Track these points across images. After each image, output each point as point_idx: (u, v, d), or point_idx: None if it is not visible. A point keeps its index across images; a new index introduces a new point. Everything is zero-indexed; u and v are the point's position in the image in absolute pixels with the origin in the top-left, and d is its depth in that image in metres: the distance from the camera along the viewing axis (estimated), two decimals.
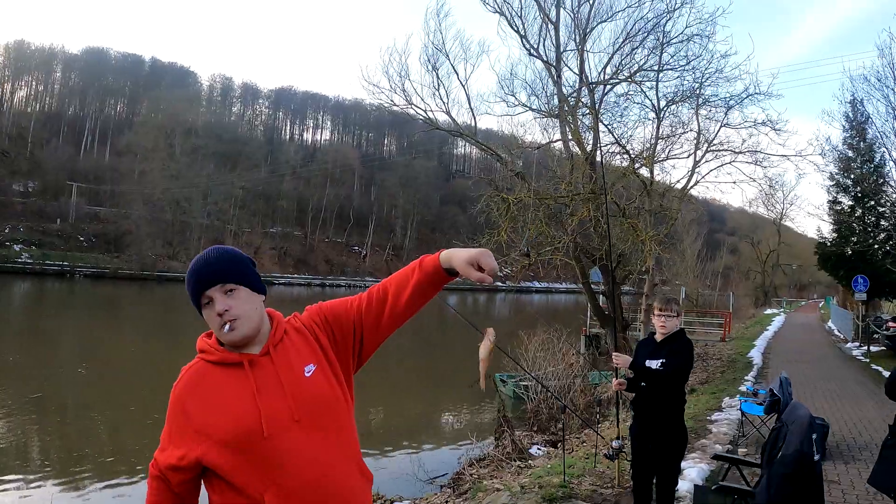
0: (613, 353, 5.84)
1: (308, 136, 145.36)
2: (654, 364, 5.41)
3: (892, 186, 28.27)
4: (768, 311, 59.80)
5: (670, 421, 5.43)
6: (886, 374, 17.13)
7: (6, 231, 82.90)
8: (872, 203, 30.21)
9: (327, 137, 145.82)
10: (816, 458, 4.80)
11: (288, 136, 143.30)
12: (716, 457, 6.29)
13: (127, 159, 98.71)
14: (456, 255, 2.31)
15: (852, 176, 30.64)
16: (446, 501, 9.16)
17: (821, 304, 78.20)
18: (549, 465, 9.18)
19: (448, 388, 19.67)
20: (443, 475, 11.82)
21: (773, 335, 31.83)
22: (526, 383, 16.59)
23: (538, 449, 12.12)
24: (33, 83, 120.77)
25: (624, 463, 7.34)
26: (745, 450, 9.45)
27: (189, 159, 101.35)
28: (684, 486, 6.94)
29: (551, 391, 13.96)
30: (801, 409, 5.14)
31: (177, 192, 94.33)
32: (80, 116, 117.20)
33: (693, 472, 7.84)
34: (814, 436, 4.84)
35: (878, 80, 24.90)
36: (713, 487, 5.27)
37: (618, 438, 6.64)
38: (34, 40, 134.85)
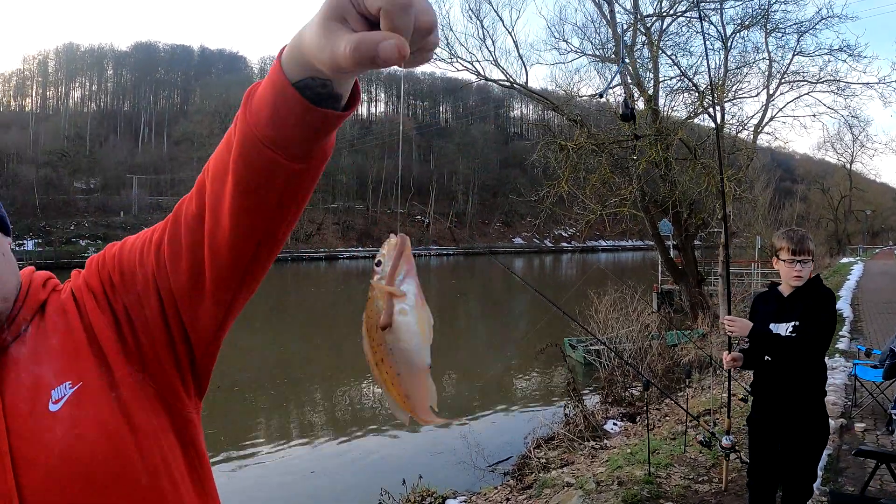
0: (726, 318, 4.11)
1: (363, 110, 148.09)
2: (782, 329, 3.77)
3: None
4: (844, 260, 57.41)
5: (807, 408, 3.82)
6: None
7: (71, 228, 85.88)
8: None
9: (382, 109, 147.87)
10: None
11: None
12: (859, 452, 4.63)
13: (184, 148, 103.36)
14: (308, 25, 0.81)
15: None
16: (507, 498, 7.83)
17: None
18: (628, 449, 7.76)
19: (512, 355, 18.50)
20: (505, 459, 10.70)
21: (855, 285, 29.87)
22: (597, 348, 15.37)
23: (614, 424, 11.09)
24: (87, 83, 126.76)
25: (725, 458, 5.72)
26: (863, 424, 7.81)
27: None
28: None
29: (625, 358, 12.53)
30: None
31: None
32: (135, 111, 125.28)
33: None
34: None
35: None
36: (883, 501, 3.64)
37: (729, 434, 4.93)
38: (83, 42, 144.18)
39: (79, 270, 1.27)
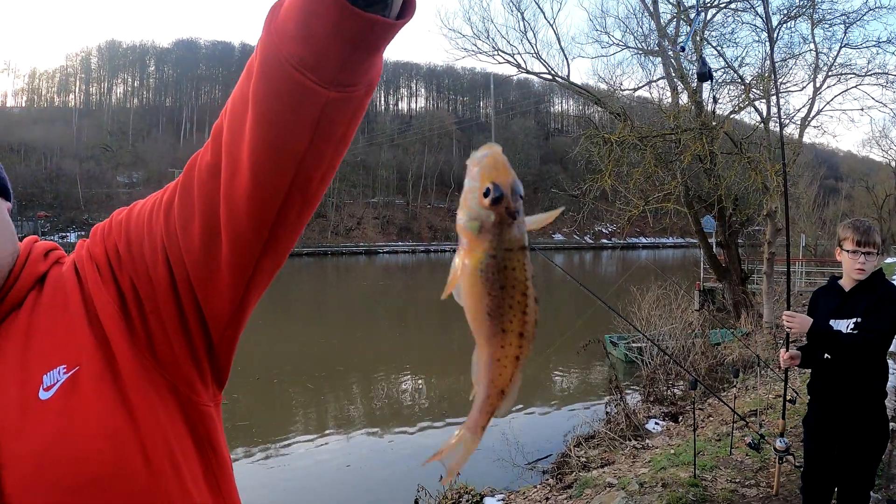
0: (785, 313, 3.88)
1: (403, 106, 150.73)
2: (843, 325, 3.56)
3: None
4: (889, 260, 56.18)
5: (867, 410, 3.60)
6: None
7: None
8: None
9: (422, 105, 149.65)
10: None
11: (383, 107, 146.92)
12: None
13: None
14: None
15: None
16: (546, 498, 7.69)
17: None
18: (671, 450, 7.55)
19: (553, 350, 18.34)
20: (545, 457, 10.53)
21: None
22: (639, 345, 15.16)
23: (656, 424, 10.89)
24: (129, 79, 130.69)
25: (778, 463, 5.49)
26: None
27: None
28: None
29: (669, 354, 12.27)
30: None
31: None
32: (177, 106, 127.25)
33: None
34: None
35: None
36: None
37: (783, 436, 4.69)
38: (125, 39, 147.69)
39: (84, 240, 1.11)
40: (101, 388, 0.98)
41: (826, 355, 3.68)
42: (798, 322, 3.71)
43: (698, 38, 18.59)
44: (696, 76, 13.38)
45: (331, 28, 0.72)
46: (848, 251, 3.62)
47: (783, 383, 5.17)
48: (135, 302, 1.02)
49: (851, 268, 3.61)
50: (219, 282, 1.00)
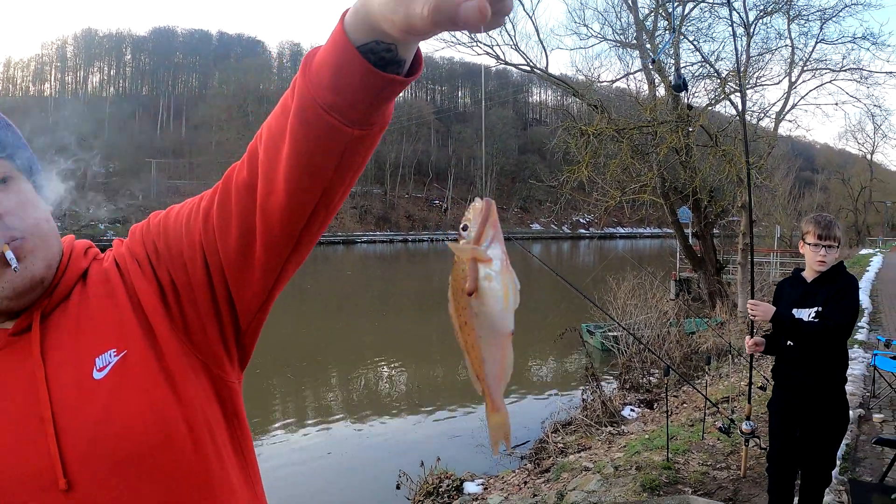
0: (749, 302, 4.11)
1: None
2: (805, 314, 3.78)
3: None
4: (863, 252, 56.82)
5: (827, 394, 3.82)
6: None
7: (89, 211, 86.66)
8: None
9: (400, 94, 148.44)
10: None
11: None
12: (879, 441, 4.62)
13: (203, 132, 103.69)
14: None
15: None
16: (525, 482, 7.89)
17: None
18: (646, 435, 7.76)
19: (530, 339, 18.49)
20: (523, 444, 10.64)
21: (874, 276, 29.57)
22: (615, 334, 15.33)
23: (631, 410, 11.10)
24: (105, 68, 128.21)
25: (744, 444, 5.72)
26: (881, 415, 7.79)
27: None
28: None
29: (644, 343, 12.50)
30: None
31: None
32: (154, 95, 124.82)
33: None
34: None
35: None
36: (894, 497, 3.64)
37: (749, 419, 4.93)
38: (101, 27, 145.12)
39: (121, 239, 1.26)
40: (148, 368, 1.12)
41: (789, 342, 3.91)
42: (762, 310, 3.94)
43: (673, 51, 18.79)
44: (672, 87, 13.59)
45: (358, 84, 0.88)
46: (810, 244, 3.84)
47: (749, 368, 5.40)
48: (173, 292, 1.17)
49: (813, 260, 3.83)
50: (251, 277, 1.15)
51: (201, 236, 1.14)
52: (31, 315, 1.14)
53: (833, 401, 3.84)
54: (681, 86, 9.89)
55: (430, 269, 51.96)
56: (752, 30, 19.87)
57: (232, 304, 1.19)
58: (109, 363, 1.11)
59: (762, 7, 20.02)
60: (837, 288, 3.76)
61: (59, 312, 1.15)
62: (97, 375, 1.10)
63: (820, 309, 3.74)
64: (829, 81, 21.65)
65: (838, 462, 6.07)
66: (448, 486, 8.31)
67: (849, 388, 8.73)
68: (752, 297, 4.48)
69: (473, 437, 10.88)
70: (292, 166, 0.98)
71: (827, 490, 5.07)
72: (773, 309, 3.89)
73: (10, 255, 1.08)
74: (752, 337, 4.16)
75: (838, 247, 3.84)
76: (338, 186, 1.04)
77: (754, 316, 4.04)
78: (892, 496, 3.68)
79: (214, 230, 1.12)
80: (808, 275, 3.92)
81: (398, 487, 8.65)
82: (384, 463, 9.99)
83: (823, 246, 3.78)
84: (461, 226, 0.85)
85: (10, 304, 1.12)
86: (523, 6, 21.32)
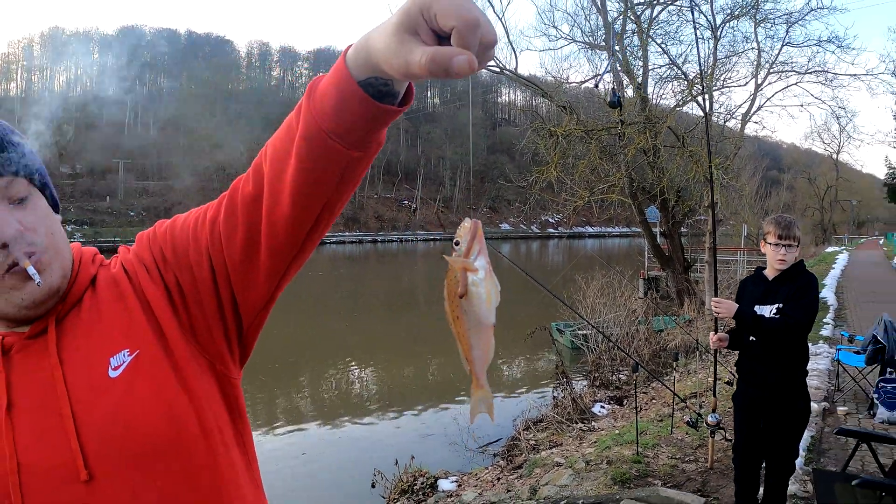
0: (713, 300, 4.30)
1: None
2: (766, 310, 3.95)
3: None
4: (830, 249, 57.73)
5: (789, 387, 3.99)
6: None
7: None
8: None
9: None
10: None
11: None
12: (840, 431, 4.80)
13: (170, 132, 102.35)
14: (377, 31, 0.92)
15: None
16: (498, 478, 8.00)
17: (882, 241, 75.93)
18: (616, 431, 7.92)
19: (500, 339, 18.59)
20: (495, 441, 10.78)
21: (840, 273, 30.05)
22: (584, 332, 15.48)
23: (601, 407, 11.21)
24: (73, 67, 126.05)
25: (710, 436, 5.90)
26: (845, 408, 8.00)
27: (232, 127, 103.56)
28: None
29: (613, 341, 12.68)
30: None
31: (222, 160, 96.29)
32: (122, 95, 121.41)
33: None
34: None
35: None
36: (854, 483, 3.81)
37: (714, 412, 5.12)
38: (68, 26, 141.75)
39: (127, 247, 1.35)
40: (160, 367, 1.20)
41: (751, 338, 4.09)
42: (725, 307, 4.12)
43: (619, 69, 19.02)
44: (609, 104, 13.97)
45: (357, 113, 0.99)
46: (771, 244, 4.01)
47: (713, 363, 5.58)
48: (179, 296, 1.25)
49: (774, 259, 4.01)
50: (255, 281, 1.24)
51: (208, 243, 1.22)
52: (46, 319, 1.21)
53: (794, 394, 4.01)
54: (616, 103, 10.38)
55: (400, 270, 51.98)
56: (719, 33, 20.20)
57: (235, 305, 1.28)
58: (124, 363, 1.18)
59: (729, 11, 20.35)
60: (798, 286, 3.94)
61: (73, 316, 1.23)
62: (112, 374, 1.17)
63: (781, 306, 3.91)
64: (795, 83, 22.15)
65: (804, 453, 6.27)
66: (422, 483, 8.40)
67: (814, 382, 9.02)
68: (716, 295, 4.67)
69: (446, 435, 10.98)
70: (298, 183, 1.08)
71: (793, 480, 5.28)
72: (736, 306, 4.07)
73: (32, 270, 1.15)
74: (716, 333, 4.34)
75: (798, 246, 4.02)
76: (338, 199, 1.15)
77: (717, 313, 4.22)
78: (853, 483, 3.85)
79: (221, 237, 1.21)
80: (770, 273, 4.10)
81: (373, 486, 8.72)
82: (358, 463, 10.03)
83: (783, 245, 3.96)
84: (454, 241, 1.00)
85: (28, 314, 1.20)
86: (493, 8, 21.43)
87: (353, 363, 18.81)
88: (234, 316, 1.29)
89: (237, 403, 1.34)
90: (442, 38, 0.83)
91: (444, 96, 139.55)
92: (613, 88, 12.75)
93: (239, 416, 1.34)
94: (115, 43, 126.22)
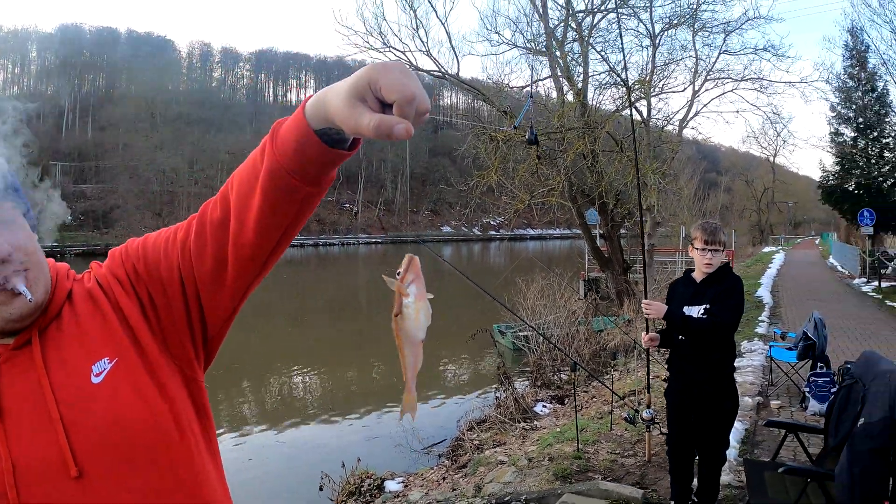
0: (643, 301, 4.55)
1: (292, 97, 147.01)
2: (695, 311, 4.20)
3: None
4: (767, 249, 59.17)
5: (717, 383, 4.24)
6: None
7: None
8: (875, 134, 29.78)
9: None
10: None
11: (272, 98, 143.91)
12: (770, 423, 5.06)
13: (109, 133, 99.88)
14: (333, 92, 1.10)
15: (854, 107, 30.36)
16: (444, 478, 8.15)
17: (818, 241, 78.00)
18: (557, 429, 8.13)
19: (444, 342, 18.74)
20: (440, 442, 10.90)
21: (776, 273, 31.03)
22: (525, 333, 15.67)
23: (543, 406, 11.36)
24: (9, 66, 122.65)
25: (646, 430, 6.15)
26: (778, 402, 8.35)
27: (172, 128, 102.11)
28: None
29: (554, 342, 12.93)
30: (883, 363, 3.93)
31: (162, 163, 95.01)
32: (59, 95, 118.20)
33: None
34: None
35: (881, 6, 24.29)
36: (780, 470, 4.05)
37: (649, 407, 5.38)
38: (5, 23, 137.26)
39: (98, 263, 1.47)
40: (138, 372, 1.33)
41: (680, 337, 4.33)
42: (654, 309, 4.37)
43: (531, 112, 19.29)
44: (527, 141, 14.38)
45: (314, 157, 1.17)
46: (698, 248, 4.27)
47: (647, 361, 5.84)
48: (152, 308, 1.39)
49: (701, 262, 4.26)
50: (222, 295, 1.38)
51: (179, 261, 1.36)
52: (29, 331, 1.32)
53: (722, 388, 4.26)
54: (532, 140, 10.98)
55: (342, 274, 51.77)
56: (658, 41, 20.65)
57: (203, 316, 1.42)
58: (105, 369, 1.31)
59: (668, 20, 20.80)
60: (724, 287, 4.19)
61: (54, 329, 1.34)
62: (95, 380, 1.29)
63: (708, 306, 4.16)
64: (731, 90, 22.71)
65: (738, 445, 6.57)
66: (370, 485, 8.48)
67: (748, 377, 9.39)
68: (647, 297, 4.92)
69: (392, 437, 11.06)
70: (261, 212, 1.25)
71: (727, 470, 5.56)
72: (665, 308, 4.32)
73: (23, 287, 1.27)
74: (647, 333, 4.59)
75: (723, 250, 4.28)
76: (295, 226, 1.31)
77: (648, 314, 4.47)
78: (780, 470, 4.09)
79: (191, 256, 1.35)
80: (698, 276, 4.35)
81: (321, 489, 8.77)
82: (305, 468, 10.08)
83: (710, 250, 4.21)
84: (397, 272, 1.23)
85: (14, 326, 1.30)
86: (437, 13, 21.64)
87: (297, 368, 18.76)
88: (201, 326, 1.43)
89: (203, 404, 1.47)
90: (385, 106, 1.02)
91: None
92: (531, 126, 13.14)
93: (205, 415, 1.48)
94: (54, 41, 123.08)
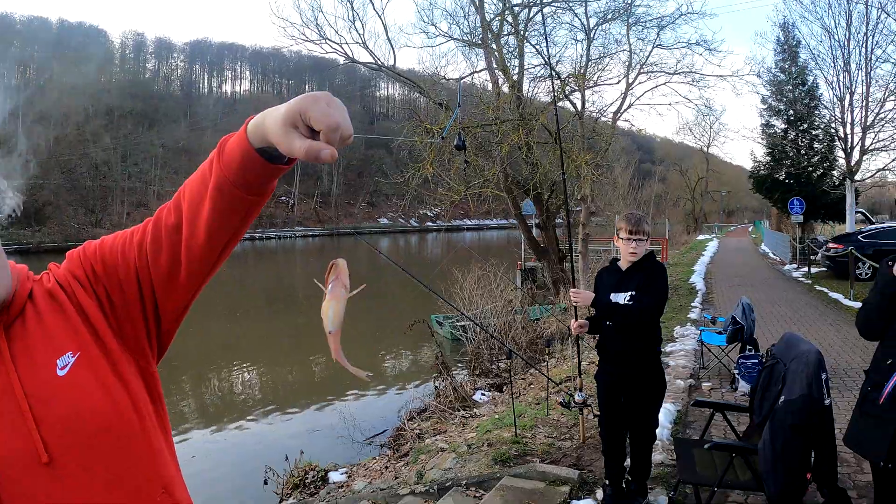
0: (571, 290, 4.77)
1: (227, 88, 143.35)
2: (621, 298, 4.42)
3: (826, 107, 28.38)
4: (701, 237, 60.37)
5: (645, 366, 4.48)
6: (833, 295, 16.87)
7: None
8: (805, 126, 30.71)
9: (247, 88, 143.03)
10: (827, 402, 3.90)
11: (206, 90, 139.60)
12: (698, 403, 5.32)
13: (39, 127, 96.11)
14: (270, 118, 1.27)
15: (784, 99, 31.21)
16: (386, 467, 8.29)
17: (750, 229, 79.74)
18: (496, 416, 8.32)
19: (382, 334, 18.85)
20: (381, 433, 11.04)
21: (710, 260, 31.74)
22: (463, 324, 15.83)
23: (482, 395, 11.54)
24: None
25: (579, 413, 6.39)
26: (710, 383, 8.68)
27: (104, 121, 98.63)
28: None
29: (490, 332, 13.14)
30: (802, 344, 4.20)
31: (94, 157, 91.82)
32: None
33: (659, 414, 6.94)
34: (824, 376, 3.91)
35: (812, 3, 25.06)
36: (707, 447, 4.31)
37: (581, 391, 5.62)
38: None
39: (56, 264, 1.57)
40: (100, 364, 1.45)
41: (608, 322, 4.56)
42: (582, 297, 4.60)
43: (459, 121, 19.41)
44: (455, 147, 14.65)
45: (257, 171, 1.33)
46: (623, 238, 4.49)
47: (576, 347, 6.07)
48: (109, 305, 1.50)
49: (626, 251, 4.48)
50: (176, 292, 1.51)
51: (135, 262, 1.48)
52: None
53: (649, 369, 4.51)
54: (461, 146, 11.45)
55: (280, 267, 51.37)
56: (592, 35, 20.96)
57: (157, 312, 1.54)
58: (69, 363, 1.41)
59: (602, 14, 21.11)
60: (648, 275, 4.42)
61: (18, 326, 1.44)
62: (60, 373, 1.39)
63: (634, 293, 4.38)
64: (664, 83, 22.95)
65: (670, 426, 6.85)
66: (313, 477, 8.57)
67: (680, 361, 9.71)
68: (574, 286, 5.16)
69: (333, 429, 11.16)
70: (210, 219, 1.39)
71: (660, 450, 5.84)
72: (593, 295, 4.54)
73: None
74: (576, 320, 4.80)
75: (647, 239, 4.50)
76: (241, 229, 1.46)
77: (576, 302, 4.69)
78: (706, 446, 4.34)
79: (147, 258, 1.47)
80: (623, 264, 4.57)
81: (265, 483, 8.84)
82: (248, 463, 10.11)
83: (634, 239, 4.44)
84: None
85: None
86: (373, 5, 21.66)
87: (236, 363, 18.67)
88: (155, 321, 1.55)
89: (157, 391, 1.59)
90: (315, 132, 1.20)
91: (322, 90, 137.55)
92: (459, 133, 13.53)
93: (159, 401, 1.59)
94: None
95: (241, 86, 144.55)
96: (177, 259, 1.45)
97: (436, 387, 12.02)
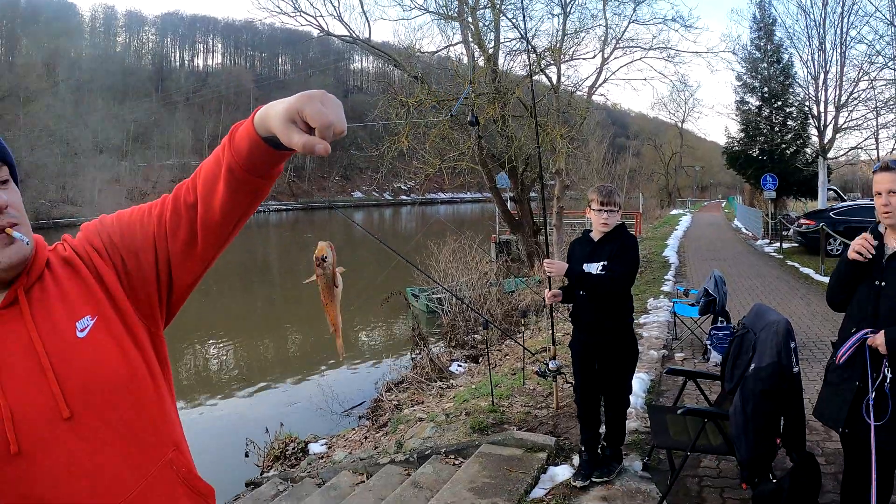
0: (545, 261, 4.88)
1: (199, 62, 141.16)
2: (593, 268, 4.53)
3: (800, 86, 28.64)
4: (674, 212, 60.82)
5: (617, 333, 4.61)
6: (804, 270, 17.13)
7: None
8: (779, 104, 31.00)
9: (219, 61, 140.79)
10: (796, 370, 4.05)
11: (178, 63, 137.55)
12: (670, 371, 5.48)
13: (8, 103, 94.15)
14: (273, 112, 1.39)
15: (759, 77, 31.48)
16: (365, 437, 8.42)
17: (724, 204, 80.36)
18: (473, 386, 8.43)
19: (358, 306, 18.94)
20: (359, 404, 11.17)
21: (683, 234, 32.04)
22: (439, 296, 15.97)
23: (458, 366, 11.64)
24: None
25: (553, 381, 6.54)
26: (682, 354, 8.86)
27: (75, 96, 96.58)
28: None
29: (467, 303, 13.26)
30: (771, 314, 4.35)
31: (65, 132, 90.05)
32: None
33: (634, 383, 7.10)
34: (792, 344, 4.05)
35: None
36: (679, 412, 4.46)
37: (554, 359, 5.76)
38: None
39: (70, 236, 1.68)
40: (116, 327, 1.56)
41: (581, 291, 4.68)
42: (556, 267, 4.71)
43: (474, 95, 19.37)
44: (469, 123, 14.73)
45: (263, 157, 1.46)
46: (594, 210, 4.59)
47: (550, 316, 6.21)
48: (125, 273, 1.60)
49: (598, 222, 4.59)
50: (191, 264, 1.63)
51: (154, 233, 1.59)
52: (14, 291, 1.50)
53: (622, 337, 4.64)
54: (474, 122, 11.51)
55: (253, 243, 51.14)
56: (568, 9, 20.98)
57: (171, 281, 1.65)
58: (88, 325, 1.52)
59: None
60: (619, 245, 4.53)
61: (37, 290, 1.53)
62: (80, 335, 1.50)
63: (605, 263, 4.50)
64: (640, 59, 23.24)
65: (644, 394, 7.02)
66: (294, 448, 8.71)
67: (654, 332, 9.89)
68: (548, 257, 5.28)
69: (312, 401, 11.26)
70: (224, 199, 1.52)
71: (634, 417, 6.01)
72: (566, 266, 4.66)
73: (17, 234, 1.48)
74: (549, 290, 4.93)
75: (618, 211, 4.61)
76: (251, 207, 1.59)
77: (550, 272, 4.81)
78: (678, 412, 4.50)
79: (167, 231, 1.58)
80: (595, 235, 4.68)
81: (247, 455, 8.98)
82: (229, 436, 10.21)
83: (605, 211, 4.54)
84: (322, 256, 1.62)
85: (4, 275, 1.49)
86: None
87: (212, 340, 18.72)
88: (167, 291, 1.65)
89: (164, 354, 1.70)
90: (311, 127, 1.33)
91: (295, 63, 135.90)
92: (472, 109, 13.62)
93: (165, 365, 1.70)
94: None
95: (213, 59, 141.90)
96: (193, 232, 1.57)
97: (412, 358, 12.17)
